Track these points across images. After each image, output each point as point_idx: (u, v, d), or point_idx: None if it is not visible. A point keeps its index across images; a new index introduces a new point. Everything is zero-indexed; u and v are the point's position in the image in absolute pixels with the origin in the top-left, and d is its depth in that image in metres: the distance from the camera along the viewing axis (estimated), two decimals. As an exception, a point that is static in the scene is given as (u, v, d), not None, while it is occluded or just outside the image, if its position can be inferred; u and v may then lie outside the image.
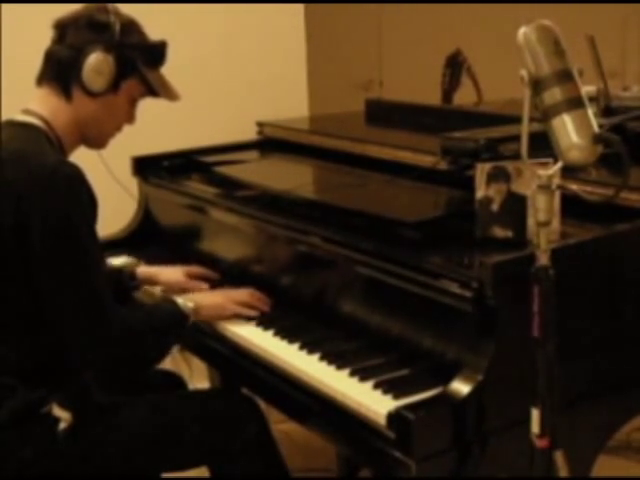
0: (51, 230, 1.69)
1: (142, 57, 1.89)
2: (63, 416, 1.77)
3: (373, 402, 1.57)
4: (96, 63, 1.81)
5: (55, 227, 1.69)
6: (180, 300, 1.91)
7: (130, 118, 1.95)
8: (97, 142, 1.94)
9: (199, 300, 1.95)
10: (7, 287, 1.73)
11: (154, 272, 2.24)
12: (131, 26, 1.89)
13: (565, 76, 1.38)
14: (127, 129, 1.98)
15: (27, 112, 1.84)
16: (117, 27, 1.84)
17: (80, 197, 1.72)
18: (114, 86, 1.86)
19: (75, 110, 1.85)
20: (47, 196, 1.69)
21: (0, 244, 1.71)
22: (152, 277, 2.22)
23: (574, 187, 1.58)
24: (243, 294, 2.03)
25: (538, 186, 1.39)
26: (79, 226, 1.72)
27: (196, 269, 2.24)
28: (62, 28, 1.86)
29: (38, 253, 1.69)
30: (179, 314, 1.88)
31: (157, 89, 1.93)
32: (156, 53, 1.93)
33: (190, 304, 1.90)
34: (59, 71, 1.84)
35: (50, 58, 1.86)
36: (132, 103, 1.93)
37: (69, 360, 1.76)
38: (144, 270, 2.24)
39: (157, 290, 2.22)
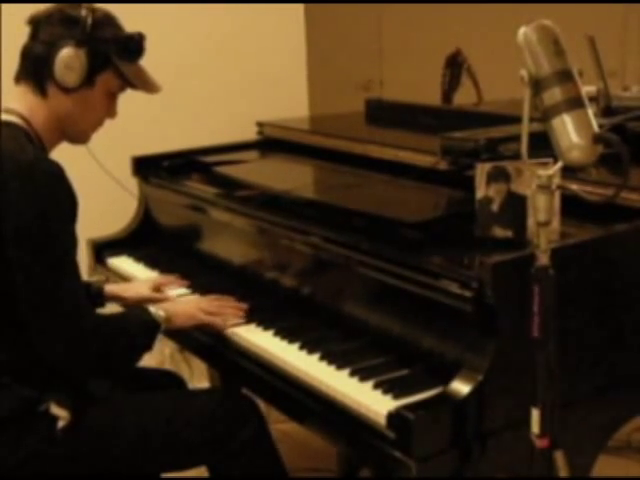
0: (26, 227, 1.66)
1: (116, 50, 1.84)
2: (61, 414, 1.77)
3: (373, 402, 1.57)
4: (67, 58, 1.78)
5: (30, 224, 1.66)
6: (152, 308, 1.90)
7: (110, 112, 1.91)
8: (77, 137, 1.91)
9: (171, 309, 1.94)
10: None
11: (121, 289, 2.23)
12: (104, 19, 1.85)
13: (565, 76, 1.38)
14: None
15: (7, 111, 1.81)
16: (89, 21, 1.80)
17: (58, 194, 1.69)
18: (89, 81, 1.82)
19: (52, 106, 1.82)
20: (23, 193, 1.65)
21: None
22: (119, 294, 2.20)
23: (574, 187, 1.58)
24: (213, 302, 2.02)
25: (538, 186, 1.39)
26: (55, 224, 1.69)
27: (164, 279, 2.25)
28: (36, 24, 1.83)
29: (12, 251, 1.66)
30: (150, 321, 1.87)
31: (134, 82, 1.89)
32: (131, 46, 1.87)
33: (162, 312, 1.89)
34: (33, 68, 1.81)
35: (25, 55, 1.83)
36: (111, 97, 1.89)
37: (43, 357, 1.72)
38: (111, 287, 2.23)
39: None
